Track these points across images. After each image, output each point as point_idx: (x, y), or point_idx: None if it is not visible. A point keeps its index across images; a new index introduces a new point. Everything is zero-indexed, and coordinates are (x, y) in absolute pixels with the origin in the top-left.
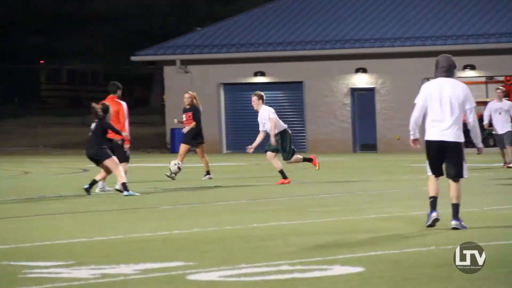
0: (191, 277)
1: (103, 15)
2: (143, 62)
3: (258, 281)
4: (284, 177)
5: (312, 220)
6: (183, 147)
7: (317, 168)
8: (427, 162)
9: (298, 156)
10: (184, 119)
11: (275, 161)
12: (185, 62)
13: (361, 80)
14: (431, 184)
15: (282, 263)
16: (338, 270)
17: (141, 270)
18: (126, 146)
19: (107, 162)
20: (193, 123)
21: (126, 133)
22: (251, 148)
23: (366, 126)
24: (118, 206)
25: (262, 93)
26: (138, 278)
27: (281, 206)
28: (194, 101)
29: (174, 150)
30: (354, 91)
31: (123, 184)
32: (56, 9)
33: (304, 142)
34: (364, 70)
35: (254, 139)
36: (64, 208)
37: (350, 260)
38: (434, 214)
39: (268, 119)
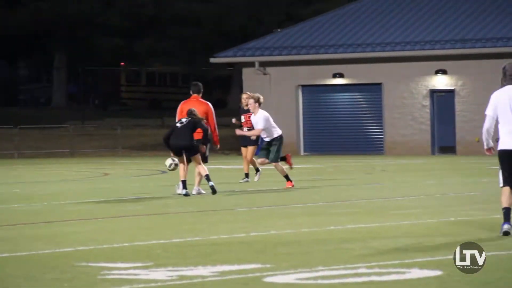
0: (268, 280)
1: (182, 17)
2: (221, 63)
3: (335, 283)
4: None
5: (390, 223)
6: (245, 151)
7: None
8: (499, 172)
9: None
10: (242, 120)
11: (254, 161)
12: (264, 64)
13: (441, 82)
14: (505, 195)
15: (360, 266)
16: (416, 273)
17: (218, 272)
18: (217, 147)
19: (195, 157)
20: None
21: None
22: (240, 132)
23: (445, 128)
24: (195, 208)
25: (260, 96)
26: (215, 280)
27: (359, 209)
28: None
29: None
30: (433, 92)
31: (207, 176)
32: (136, 11)
33: (382, 144)
34: (444, 72)
35: (332, 141)
36: (142, 210)
37: (429, 263)
38: (505, 227)
39: (259, 126)
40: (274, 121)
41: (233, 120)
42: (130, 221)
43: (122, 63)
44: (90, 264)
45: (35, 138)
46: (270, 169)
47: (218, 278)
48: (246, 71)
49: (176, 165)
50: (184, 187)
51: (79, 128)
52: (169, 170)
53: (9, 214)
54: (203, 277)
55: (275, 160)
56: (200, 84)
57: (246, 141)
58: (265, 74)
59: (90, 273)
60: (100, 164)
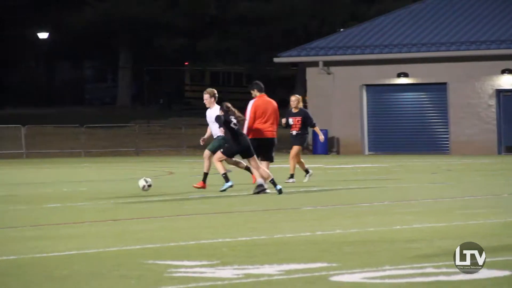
0: (334, 278)
1: (245, 17)
2: (285, 63)
3: (402, 283)
4: (204, 180)
5: (456, 223)
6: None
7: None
8: None
9: (241, 162)
10: (291, 122)
11: (207, 160)
12: (327, 63)
13: (507, 81)
14: None
15: (427, 265)
16: (484, 273)
17: (284, 270)
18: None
19: (252, 159)
20: (317, 128)
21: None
22: (202, 140)
23: (511, 128)
24: (260, 207)
25: (215, 91)
26: (282, 279)
27: (425, 208)
28: (301, 104)
29: (315, 151)
30: (499, 92)
31: (272, 180)
32: (200, 11)
33: (447, 143)
34: (510, 71)
35: (397, 140)
36: (207, 209)
37: (497, 263)
38: None
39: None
40: (338, 120)
41: (283, 121)
42: (195, 219)
43: (186, 63)
44: (156, 262)
45: (101, 137)
46: (332, 169)
47: (285, 276)
48: (309, 71)
49: (149, 186)
50: (274, 182)
51: (144, 127)
52: (143, 190)
53: (76, 212)
54: (269, 275)
55: (212, 150)
56: (260, 83)
57: (296, 143)
58: (329, 73)
59: (157, 271)
60: (165, 162)
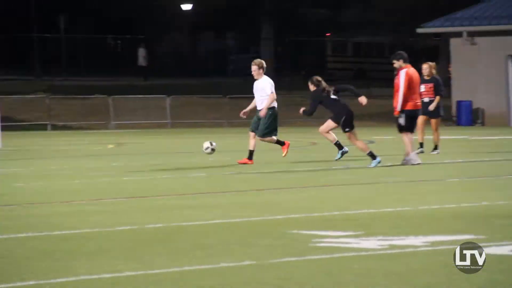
0: None
1: None
2: (428, 34)
3: None
4: (250, 158)
5: None
6: (422, 119)
7: (283, 155)
8: None
9: (273, 137)
10: (423, 89)
11: (253, 140)
12: (472, 34)
13: None
14: None
15: None
16: None
17: (430, 242)
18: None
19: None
20: (438, 98)
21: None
22: (244, 113)
23: None
24: (405, 178)
25: (263, 62)
26: (427, 250)
27: None
28: (433, 71)
29: (460, 123)
30: None
31: (370, 153)
32: None
33: None
34: None
35: None
36: (352, 179)
37: None
38: None
39: (268, 91)
40: (483, 91)
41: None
42: (339, 190)
43: (328, 34)
44: (301, 231)
45: (244, 107)
46: (477, 140)
47: (430, 248)
48: (453, 41)
49: (213, 149)
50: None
51: (286, 98)
52: (206, 153)
53: (221, 182)
54: (414, 246)
55: (262, 135)
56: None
57: (427, 111)
58: (473, 44)
59: (302, 241)
60: (307, 133)
